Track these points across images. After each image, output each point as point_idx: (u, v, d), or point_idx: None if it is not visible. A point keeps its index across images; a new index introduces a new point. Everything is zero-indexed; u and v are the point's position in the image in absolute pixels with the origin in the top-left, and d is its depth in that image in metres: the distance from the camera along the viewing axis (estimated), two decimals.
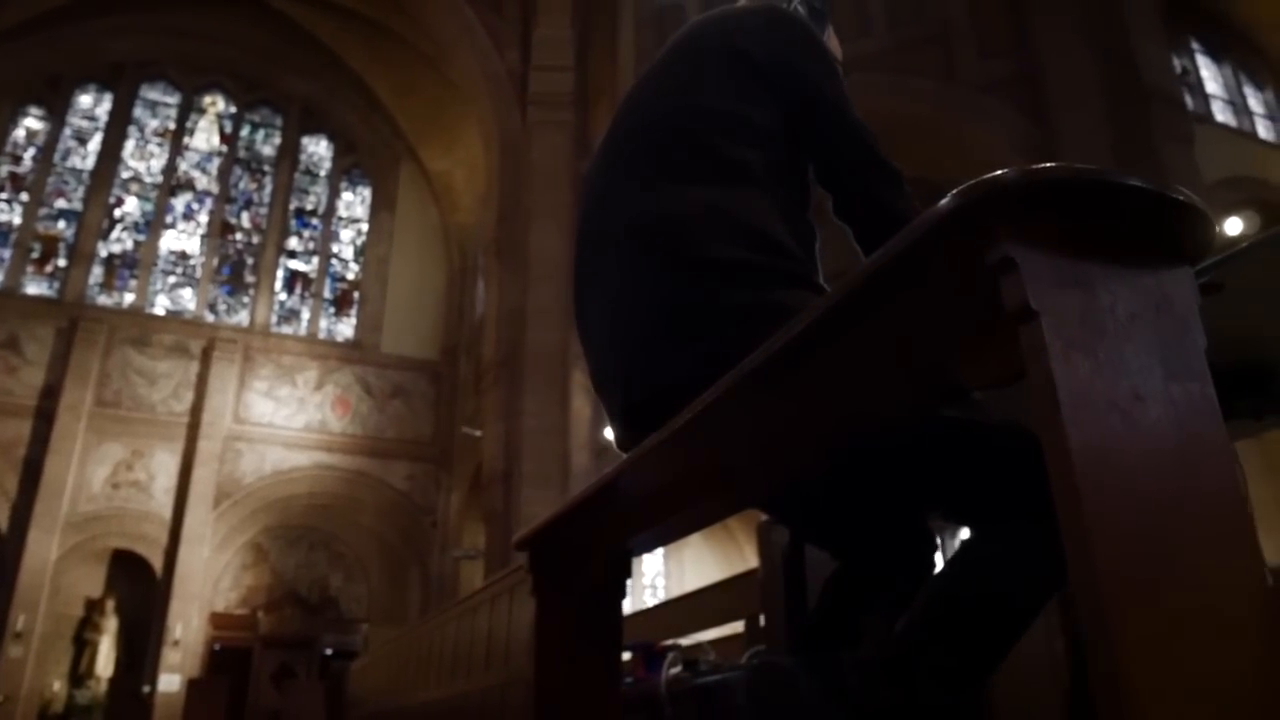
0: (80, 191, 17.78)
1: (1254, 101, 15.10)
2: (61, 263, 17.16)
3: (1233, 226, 11.61)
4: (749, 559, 16.67)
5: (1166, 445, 0.71)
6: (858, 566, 1.42)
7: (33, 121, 17.87)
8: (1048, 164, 0.74)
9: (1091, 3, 12.30)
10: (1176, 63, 13.49)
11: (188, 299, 17.89)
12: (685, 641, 4.08)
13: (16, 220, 17.09)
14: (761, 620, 3.12)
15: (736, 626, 4.12)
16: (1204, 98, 14.21)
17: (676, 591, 16.51)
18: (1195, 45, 14.78)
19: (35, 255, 17.09)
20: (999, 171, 0.74)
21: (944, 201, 0.76)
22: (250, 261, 18.65)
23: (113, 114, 18.42)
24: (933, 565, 1.45)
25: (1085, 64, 11.98)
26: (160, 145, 18.83)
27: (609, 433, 13.11)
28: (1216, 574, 0.68)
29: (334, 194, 19.81)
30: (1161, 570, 0.66)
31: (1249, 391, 1.35)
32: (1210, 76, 14.79)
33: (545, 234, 14.25)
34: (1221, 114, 14.36)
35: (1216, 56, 15.04)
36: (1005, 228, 0.73)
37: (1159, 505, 0.68)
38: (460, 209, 19.19)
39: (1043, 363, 0.69)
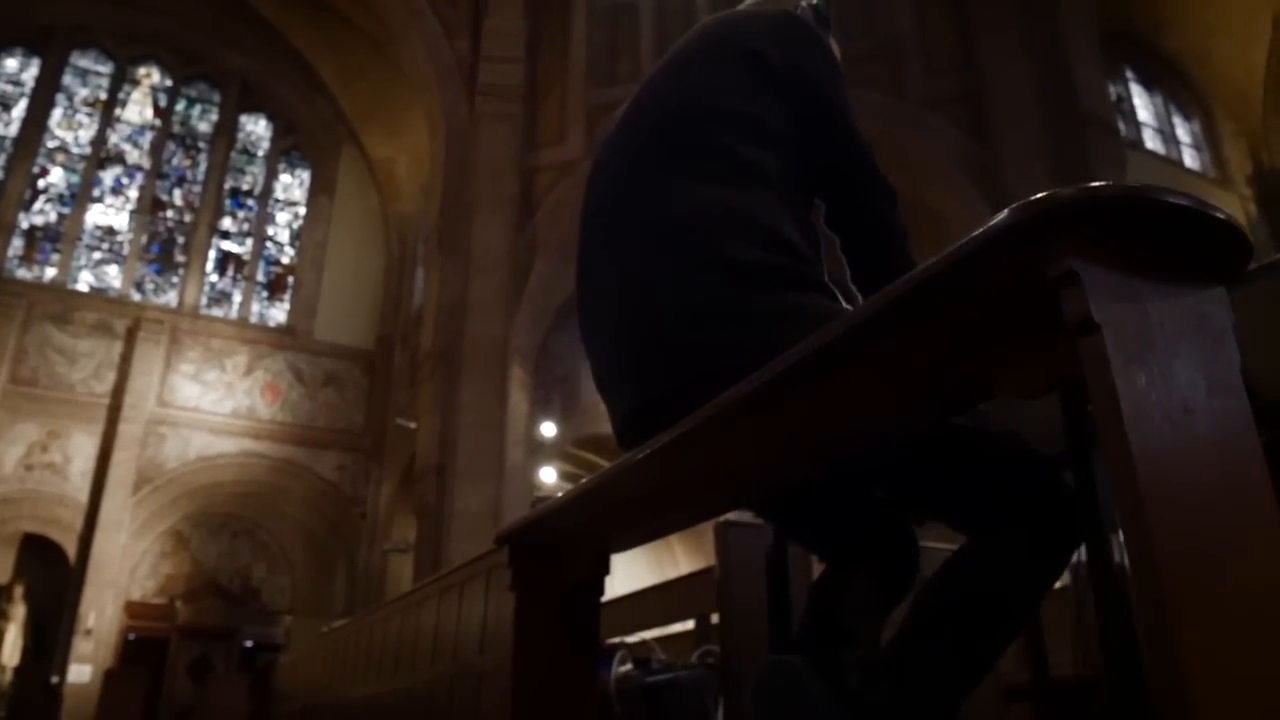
0: (2, 159, 17.06)
1: (1181, 131, 15.69)
2: None
3: None
4: (680, 561, 16.75)
5: (1212, 456, 0.73)
6: (846, 568, 1.43)
7: None
8: (1103, 182, 0.75)
9: (1035, 27, 12.65)
10: (1112, 90, 13.94)
11: (113, 276, 17.29)
12: (629, 639, 4.08)
13: None
14: (715, 619, 3.13)
15: (675, 625, 4.13)
16: (1136, 125, 14.72)
17: (606, 593, 16.49)
18: (1129, 74, 15.30)
19: None
20: (1058, 188, 0.76)
21: (1004, 215, 0.77)
22: (181, 240, 18.11)
23: (40, 80, 17.71)
24: (916, 568, 1.48)
25: (1027, 85, 12.33)
26: (90, 115, 18.17)
27: (546, 429, 13.01)
28: (1260, 573, 0.70)
29: (271, 175, 19.35)
30: (1216, 570, 0.68)
31: None
32: (1142, 105, 15.33)
33: (489, 227, 14.14)
34: (1151, 141, 14.89)
35: (1149, 86, 15.59)
36: (1069, 242, 0.74)
37: (1211, 512, 0.70)
38: (402, 197, 18.91)
39: (1105, 374, 0.70)
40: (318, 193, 19.34)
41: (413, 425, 14.39)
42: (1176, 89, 15.85)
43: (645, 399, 1.34)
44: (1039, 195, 0.75)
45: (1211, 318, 0.79)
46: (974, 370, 0.87)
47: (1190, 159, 15.38)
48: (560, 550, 1.68)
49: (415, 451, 14.08)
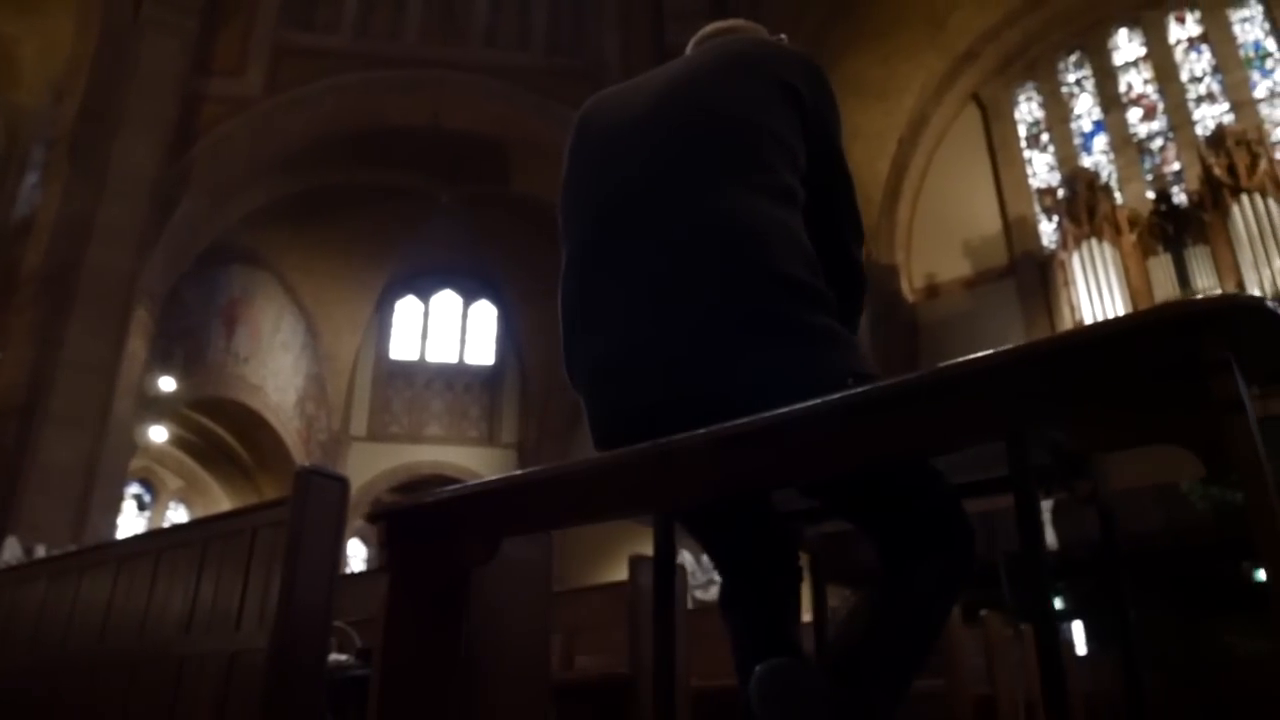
0: None
1: None
2: None
3: None
4: None
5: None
6: (767, 583, 1.50)
7: None
8: (1247, 294, 0.91)
9: None
10: None
11: None
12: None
13: None
14: None
15: None
16: None
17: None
18: None
19: None
20: (1219, 293, 0.90)
21: (1168, 305, 0.90)
22: None
23: None
24: (800, 580, 1.60)
25: None
26: None
27: (164, 384, 11.66)
28: None
29: None
30: None
31: (1069, 471, 1.66)
32: None
33: (135, 146, 12.51)
34: None
35: None
36: (1224, 336, 0.89)
37: None
38: (21, 86, 16.03)
39: (1252, 447, 0.85)
40: None
41: None
42: None
43: (669, 398, 1.32)
44: (1207, 297, 0.89)
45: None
46: (1073, 423, 0.99)
47: None
48: (448, 534, 1.58)
49: None
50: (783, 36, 1.75)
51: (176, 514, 17.08)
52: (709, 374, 1.31)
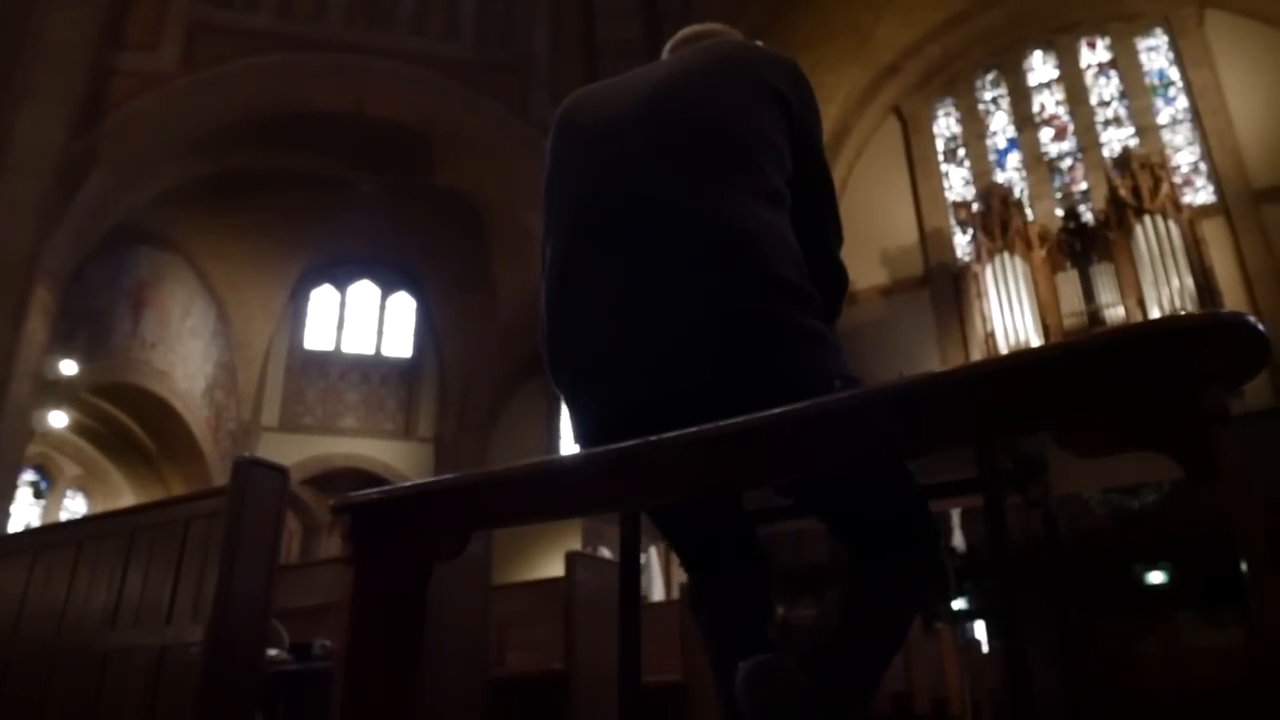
0: None
1: None
2: None
3: None
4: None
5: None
6: (741, 579, 1.52)
7: None
8: (1235, 310, 0.97)
9: None
10: None
11: None
12: None
13: None
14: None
15: None
16: None
17: None
18: None
19: None
20: (1215, 310, 0.96)
21: (1164, 319, 0.95)
22: None
23: None
24: (769, 577, 1.63)
25: None
26: None
27: (65, 367, 11.22)
28: None
29: None
30: None
31: (1025, 475, 1.73)
32: None
33: (40, 120, 11.92)
34: None
35: None
36: (1213, 349, 0.94)
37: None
38: None
39: (1235, 453, 0.91)
40: None
41: None
42: None
43: (661, 397, 1.32)
44: (1204, 313, 0.94)
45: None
46: (1055, 430, 1.03)
47: None
48: (416, 529, 1.56)
49: None
50: (759, 42, 1.78)
51: (74, 503, 16.37)
52: (698, 374, 1.33)
